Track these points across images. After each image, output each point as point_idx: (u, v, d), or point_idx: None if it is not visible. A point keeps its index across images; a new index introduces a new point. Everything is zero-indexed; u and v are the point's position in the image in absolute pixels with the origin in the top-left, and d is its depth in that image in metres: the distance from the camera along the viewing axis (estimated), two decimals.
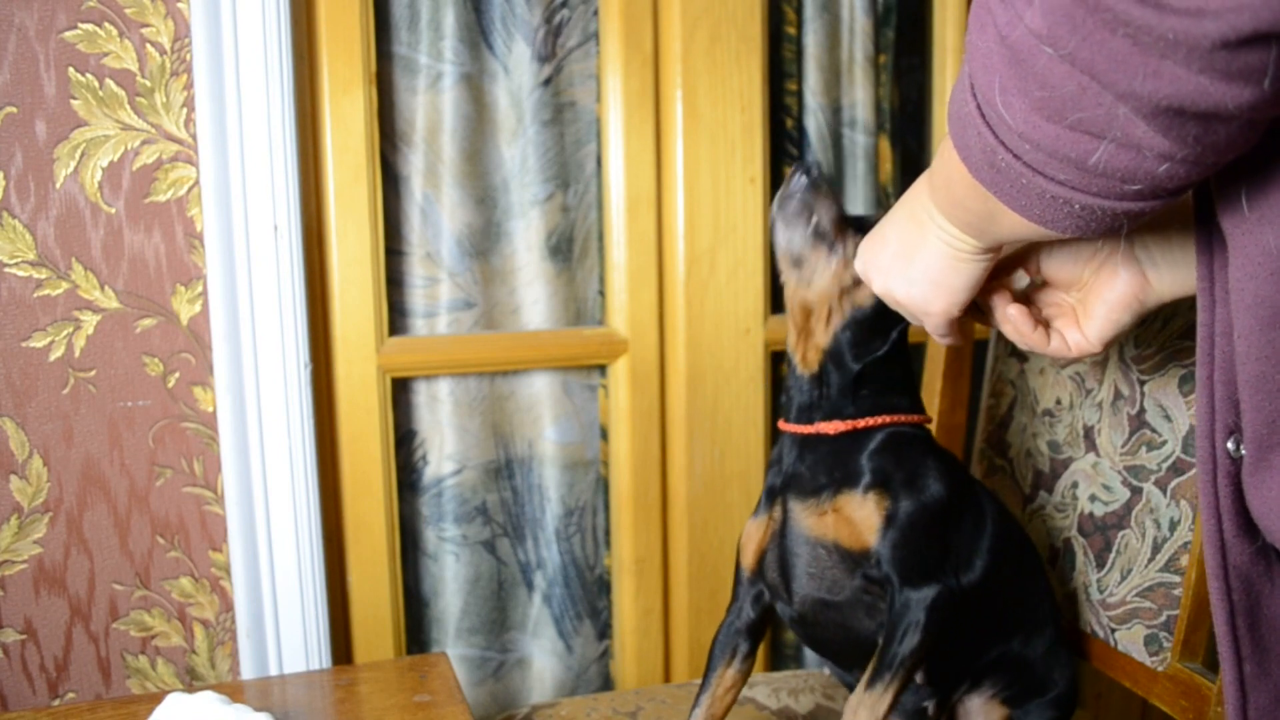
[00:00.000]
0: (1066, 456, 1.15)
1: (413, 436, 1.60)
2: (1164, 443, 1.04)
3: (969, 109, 0.62)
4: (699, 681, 1.35)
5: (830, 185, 0.98)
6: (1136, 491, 1.06)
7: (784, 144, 1.73)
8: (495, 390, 1.64)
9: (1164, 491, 1.04)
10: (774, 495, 1.01)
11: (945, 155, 0.71)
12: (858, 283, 0.94)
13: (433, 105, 1.55)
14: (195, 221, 1.34)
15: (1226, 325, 0.65)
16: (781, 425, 1.02)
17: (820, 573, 0.96)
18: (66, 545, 1.33)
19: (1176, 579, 1.02)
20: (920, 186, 0.80)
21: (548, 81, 1.60)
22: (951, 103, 0.65)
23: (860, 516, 0.94)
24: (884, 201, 1.79)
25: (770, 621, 1.07)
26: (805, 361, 0.99)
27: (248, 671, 1.41)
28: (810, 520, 0.96)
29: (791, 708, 1.25)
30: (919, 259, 0.80)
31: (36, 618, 1.32)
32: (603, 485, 1.70)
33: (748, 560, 1.03)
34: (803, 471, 0.98)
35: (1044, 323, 0.86)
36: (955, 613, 0.94)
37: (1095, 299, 0.84)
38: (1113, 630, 1.08)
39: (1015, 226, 0.67)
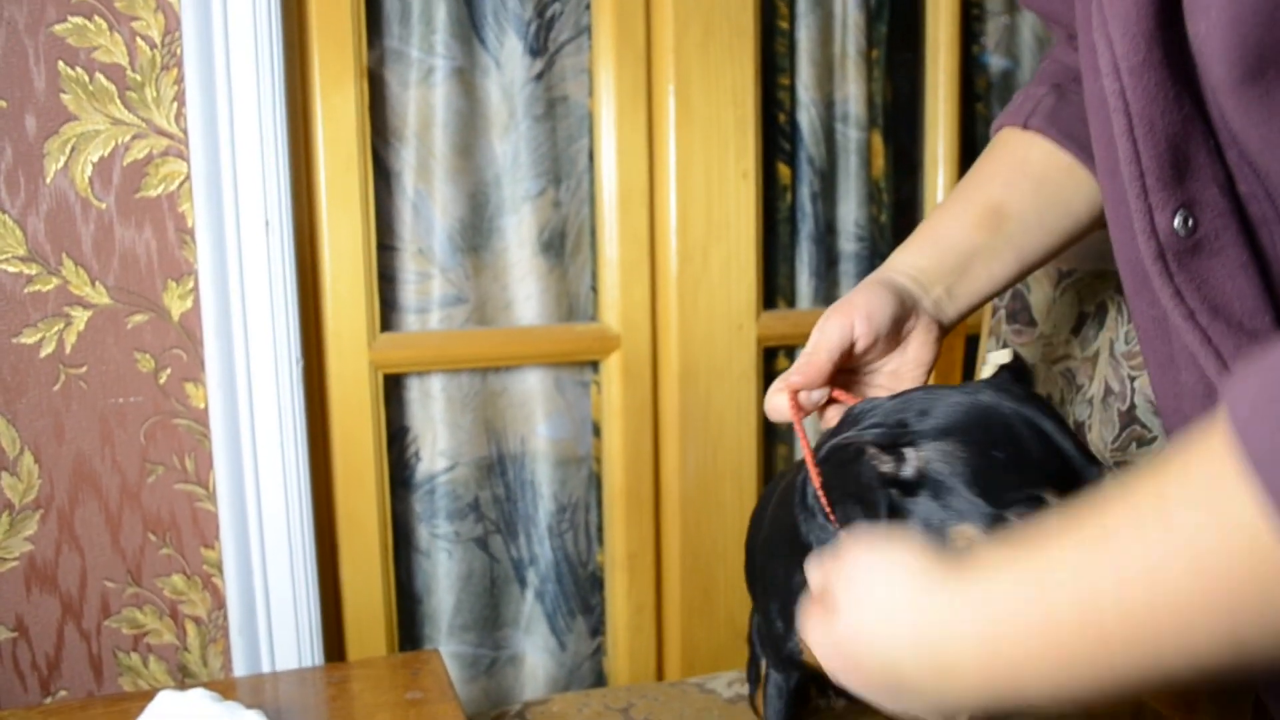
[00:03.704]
0: None
1: (405, 433, 1.60)
2: (1154, 439, 1.04)
3: None
4: (692, 680, 1.35)
5: None
6: None
7: (776, 139, 1.73)
8: (488, 386, 1.64)
9: None
10: None
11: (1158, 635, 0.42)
12: None
13: (424, 100, 1.54)
14: (186, 217, 1.33)
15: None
16: None
17: None
18: (58, 542, 1.32)
19: None
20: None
21: (540, 76, 1.59)
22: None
23: None
24: (876, 196, 1.80)
25: None
26: None
27: (240, 669, 1.41)
28: None
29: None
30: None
31: (28, 615, 1.32)
32: (595, 481, 1.70)
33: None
34: None
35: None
36: None
37: (907, 367, 0.89)
38: None
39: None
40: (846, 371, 0.88)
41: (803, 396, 0.84)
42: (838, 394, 0.86)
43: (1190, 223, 0.63)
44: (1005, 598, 0.48)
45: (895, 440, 0.71)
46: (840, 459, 0.74)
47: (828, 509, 0.76)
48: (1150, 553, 0.41)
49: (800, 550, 0.82)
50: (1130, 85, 0.63)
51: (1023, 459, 0.69)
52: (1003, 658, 0.48)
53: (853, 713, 1.10)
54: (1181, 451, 0.42)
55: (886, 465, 0.71)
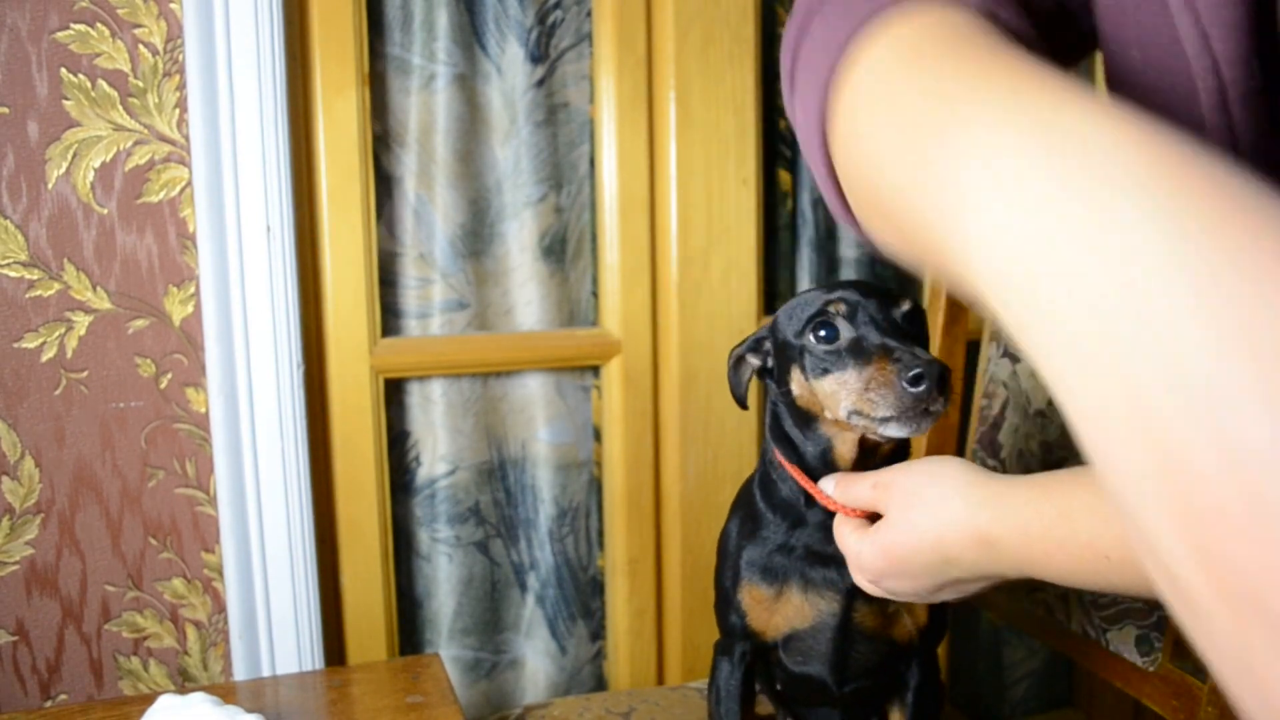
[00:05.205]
0: (1059, 457, 1.15)
1: (406, 437, 1.60)
2: None
3: None
4: (693, 685, 1.34)
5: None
6: None
7: (777, 145, 1.73)
8: (488, 391, 1.64)
9: None
10: (787, 572, 0.93)
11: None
12: None
13: (426, 106, 1.55)
14: (188, 222, 1.34)
15: None
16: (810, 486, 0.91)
17: (872, 664, 0.96)
18: (58, 546, 1.33)
19: None
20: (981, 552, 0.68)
21: (541, 82, 1.60)
22: None
23: (919, 613, 0.94)
24: None
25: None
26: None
27: (240, 673, 1.41)
28: (875, 621, 0.93)
29: None
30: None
31: (28, 619, 1.32)
32: (596, 486, 1.70)
33: (772, 633, 0.96)
34: (823, 549, 0.90)
35: None
36: None
37: None
38: (1104, 631, 1.08)
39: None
40: None
41: None
42: None
43: None
44: (1050, 509, 0.61)
45: (758, 343, 0.96)
46: (738, 367, 0.98)
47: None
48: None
49: (749, 507, 0.97)
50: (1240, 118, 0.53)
51: (817, 295, 0.88)
52: (1037, 552, 0.62)
53: None
54: None
55: (754, 361, 0.96)
